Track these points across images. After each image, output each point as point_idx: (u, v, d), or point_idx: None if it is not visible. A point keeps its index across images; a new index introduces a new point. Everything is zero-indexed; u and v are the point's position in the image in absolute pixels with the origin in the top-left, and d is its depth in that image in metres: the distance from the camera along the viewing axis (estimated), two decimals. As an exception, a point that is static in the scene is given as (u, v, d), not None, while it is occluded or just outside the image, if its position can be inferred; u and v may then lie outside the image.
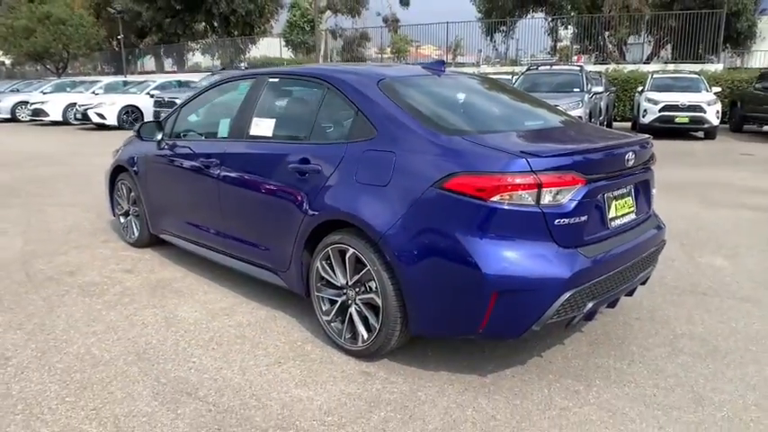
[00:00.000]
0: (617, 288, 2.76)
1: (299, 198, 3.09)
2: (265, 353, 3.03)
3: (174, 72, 34.44)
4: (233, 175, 3.57)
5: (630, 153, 2.78)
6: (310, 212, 3.01)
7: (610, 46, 25.29)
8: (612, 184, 2.71)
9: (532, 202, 2.41)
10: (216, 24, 36.20)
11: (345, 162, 2.89)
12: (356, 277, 2.86)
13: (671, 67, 19.72)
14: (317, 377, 2.78)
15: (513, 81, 13.62)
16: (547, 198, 2.42)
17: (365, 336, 2.86)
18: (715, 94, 13.92)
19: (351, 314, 2.92)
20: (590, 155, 2.59)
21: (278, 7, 37.11)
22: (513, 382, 2.73)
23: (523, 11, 26.31)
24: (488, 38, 27.46)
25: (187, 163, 4.00)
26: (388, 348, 2.83)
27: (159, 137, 4.29)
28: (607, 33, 24.30)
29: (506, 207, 2.39)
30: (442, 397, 2.60)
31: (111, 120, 16.31)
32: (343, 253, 2.90)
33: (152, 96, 16.70)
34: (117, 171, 4.99)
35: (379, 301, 2.73)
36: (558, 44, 28.28)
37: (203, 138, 4.13)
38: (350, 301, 2.94)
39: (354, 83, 3.07)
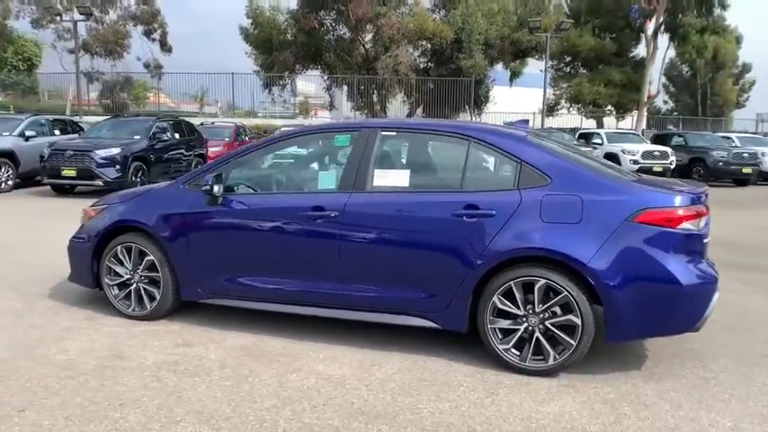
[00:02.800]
0: None
1: (468, 241, 3.40)
2: (467, 389, 3.21)
3: None
4: (365, 226, 3.61)
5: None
6: (488, 252, 3.34)
7: (378, 104, 28.50)
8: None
9: (696, 228, 3.27)
10: None
11: (525, 206, 3.34)
12: (543, 306, 3.30)
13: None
14: (539, 396, 3.12)
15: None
16: (701, 224, 3.31)
17: (556, 355, 3.30)
18: None
19: (537, 338, 3.33)
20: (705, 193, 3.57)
21: (5, 42, 31.77)
22: (666, 369, 3.49)
23: (302, 67, 27.93)
24: (267, 90, 28.41)
25: (278, 218, 3.81)
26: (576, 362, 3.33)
27: (218, 190, 3.92)
28: (375, 93, 27.40)
29: (686, 232, 3.22)
30: (647, 388, 3.22)
31: None
32: (529, 285, 3.31)
33: None
34: (112, 234, 4.26)
35: (578, 321, 3.23)
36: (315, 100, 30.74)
37: (285, 192, 3.97)
38: (531, 327, 3.35)
39: (508, 139, 3.56)
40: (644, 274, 3.19)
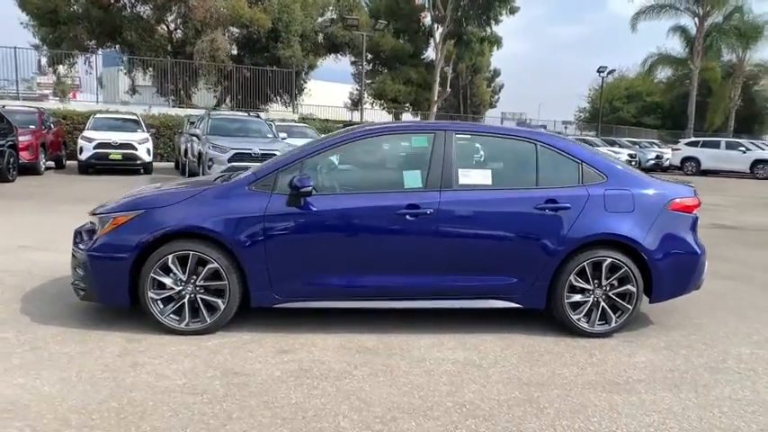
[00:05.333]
0: None
1: (551, 230, 4.00)
2: (571, 355, 3.83)
3: None
4: (459, 221, 3.95)
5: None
6: (568, 239, 3.99)
7: (182, 92, 26.62)
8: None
9: (697, 213, 4.38)
10: None
11: (592, 199, 4.07)
12: (607, 280, 4.08)
13: (139, 108, 21.01)
14: (624, 351, 3.90)
15: (197, 123, 13.78)
16: (699, 210, 4.44)
17: (617, 318, 4.12)
18: (149, 133, 16.05)
19: (603, 307, 4.11)
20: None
21: None
22: (669, 320, 4.56)
23: (97, 45, 24.66)
24: (50, 67, 24.54)
25: (371, 217, 3.92)
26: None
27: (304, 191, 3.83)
28: (179, 79, 25.54)
29: (695, 216, 4.30)
30: (676, 335, 4.23)
31: None
32: (598, 264, 4.06)
33: None
34: (156, 242, 3.81)
35: (634, 289, 4.09)
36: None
37: (373, 191, 4.03)
38: (597, 298, 4.11)
39: (567, 143, 4.26)
40: (676, 248, 4.18)
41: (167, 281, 3.86)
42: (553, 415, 2.99)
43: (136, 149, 15.06)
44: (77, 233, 4.25)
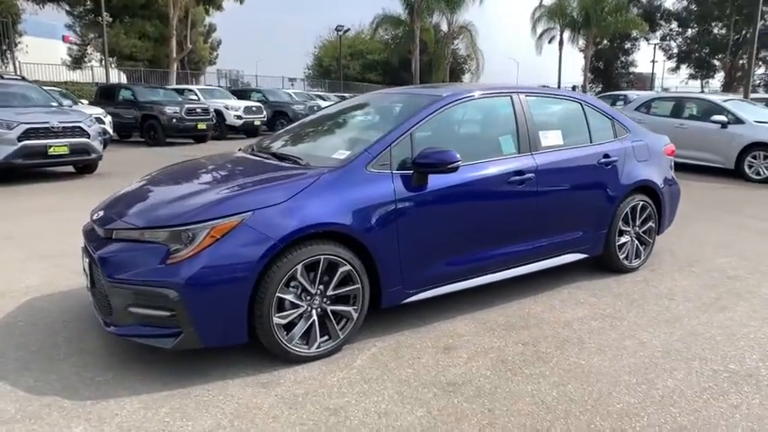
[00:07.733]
0: None
1: (608, 181, 4.37)
2: (645, 291, 4.32)
3: None
4: (552, 182, 4.00)
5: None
6: (619, 188, 4.41)
7: None
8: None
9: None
10: None
11: (627, 151, 4.54)
12: (639, 220, 4.68)
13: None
14: (664, 282, 4.57)
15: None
16: (672, 154, 5.32)
17: (644, 253, 4.78)
18: None
19: (636, 244, 4.70)
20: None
21: None
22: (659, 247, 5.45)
23: None
24: None
25: (488, 187, 3.69)
26: (642, 258, 4.89)
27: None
28: None
29: (673, 157, 5.17)
30: (695, 267, 5.10)
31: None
32: (634, 207, 4.61)
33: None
34: (281, 251, 2.94)
35: (654, 225, 4.79)
36: None
37: (481, 160, 3.71)
38: (632, 238, 4.68)
39: (600, 102, 4.60)
40: (671, 186, 4.99)
41: (291, 297, 3.01)
42: (724, 340, 3.42)
43: None
44: (104, 262, 2.94)
